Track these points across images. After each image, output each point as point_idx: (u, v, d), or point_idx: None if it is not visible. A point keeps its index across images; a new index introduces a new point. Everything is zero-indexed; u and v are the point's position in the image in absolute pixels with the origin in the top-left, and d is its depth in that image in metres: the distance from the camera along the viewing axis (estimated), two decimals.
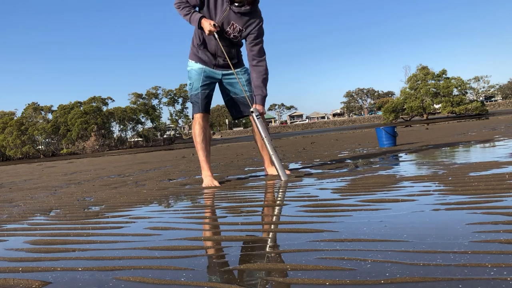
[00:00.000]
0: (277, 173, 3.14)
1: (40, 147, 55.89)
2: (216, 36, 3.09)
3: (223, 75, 3.30)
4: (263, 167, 3.54)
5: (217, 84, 3.39)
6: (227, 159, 6.42)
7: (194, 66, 3.26)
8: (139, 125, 62.94)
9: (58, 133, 54.27)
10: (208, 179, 3.21)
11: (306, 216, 1.76)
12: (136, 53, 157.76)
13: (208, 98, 3.30)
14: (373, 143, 6.97)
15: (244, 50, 3.32)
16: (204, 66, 3.25)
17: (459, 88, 38.92)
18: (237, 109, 3.38)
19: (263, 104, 3.21)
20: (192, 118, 3.33)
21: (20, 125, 53.55)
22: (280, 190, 2.57)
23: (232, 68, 3.22)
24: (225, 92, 3.39)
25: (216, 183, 3.16)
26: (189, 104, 77.00)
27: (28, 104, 57.83)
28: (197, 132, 3.26)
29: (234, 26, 3.12)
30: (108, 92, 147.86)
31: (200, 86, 3.24)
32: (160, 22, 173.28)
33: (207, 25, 3.00)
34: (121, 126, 60.24)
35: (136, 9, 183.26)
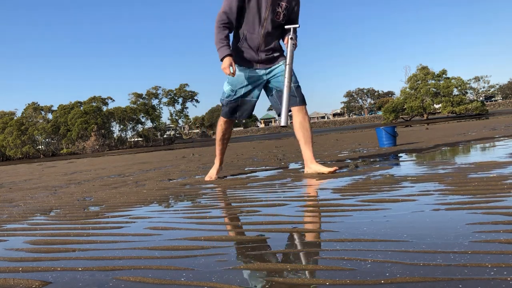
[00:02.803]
0: (314, 171, 3.22)
1: (40, 147, 55.90)
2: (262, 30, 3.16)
3: (268, 74, 3.29)
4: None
5: (262, 89, 3.39)
6: (227, 159, 6.42)
7: (237, 69, 3.25)
8: (139, 125, 62.97)
9: (58, 133, 54.29)
10: (211, 171, 3.64)
11: (306, 216, 1.76)
12: (136, 53, 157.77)
13: (240, 104, 3.35)
14: (373, 143, 6.97)
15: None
16: (244, 69, 3.26)
17: (459, 88, 38.91)
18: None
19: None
20: (221, 115, 3.49)
21: (20, 125, 53.57)
22: (280, 190, 2.57)
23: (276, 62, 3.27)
24: (272, 91, 3.36)
25: (213, 177, 3.56)
26: (189, 104, 77.40)
27: (28, 104, 57.88)
28: (218, 131, 3.54)
29: (282, 5, 3.18)
30: (108, 92, 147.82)
31: (234, 91, 3.30)
32: (160, 22, 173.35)
33: (227, 65, 3.09)
34: (121, 126, 60.26)
35: (136, 9, 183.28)
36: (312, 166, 3.25)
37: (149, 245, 1.51)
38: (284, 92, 3.08)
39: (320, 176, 3.06)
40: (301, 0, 3.32)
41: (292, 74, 3.16)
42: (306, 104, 3.34)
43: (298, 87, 3.30)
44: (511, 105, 65.30)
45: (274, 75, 3.30)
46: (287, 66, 3.13)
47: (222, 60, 3.13)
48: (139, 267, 1.25)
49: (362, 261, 1.12)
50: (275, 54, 3.31)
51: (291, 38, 3.21)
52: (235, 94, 3.30)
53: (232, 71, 3.09)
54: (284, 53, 3.36)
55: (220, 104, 3.42)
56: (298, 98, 3.29)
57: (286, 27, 3.28)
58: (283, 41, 3.33)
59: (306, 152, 3.30)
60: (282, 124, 3.06)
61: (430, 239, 1.25)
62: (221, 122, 3.48)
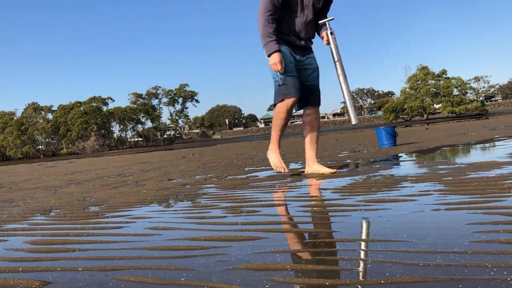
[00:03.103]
0: (314, 171, 3.19)
1: (40, 147, 55.92)
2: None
3: (298, 61, 3.19)
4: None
5: None
6: (227, 159, 6.42)
7: (281, 48, 3.06)
8: (139, 125, 62.99)
9: (58, 133, 54.30)
10: (276, 157, 3.27)
11: (306, 216, 1.76)
12: (136, 53, 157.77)
13: (308, 89, 3.20)
14: (373, 143, 6.97)
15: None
16: (289, 49, 3.12)
17: (459, 88, 38.92)
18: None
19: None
20: (280, 102, 3.10)
21: (20, 125, 53.58)
22: (280, 190, 2.57)
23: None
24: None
25: (284, 166, 3.22)
26: (189, 104, 77.37)
27: (28, 104, 57.86)
28: (284, 116, 3.13)
29: None
30: (108, 92, 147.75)
31: (291, 68, 3.07)
32: (160, 22, 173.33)
33: (277, 61, 2.95)
34: (121, 126, 60.28)
35: (136, 9, 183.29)
36: (313, 166, 3.25)
37: (149, 245, 1.51)
38: (345, 90, 2.99)
39: (320, 176, 3.05)
40: None
41: (344, 70, 3.06)
42: (320, 105, 3.32)
43: (318, 86, 3.27)
44: (511, 105, 65.33)
45: (304, 65, 3.22)
46: (337, 63, 3.02)
47: (270, 55, 2.98)
48: (139, 267, 1.25)
49: (362, 261, 1.12)
50: (310, 44, 3.25)
51: (332, 33, 3.10)
52: (290, 68, 3.07)
53: (281, 68, 2.96)
54: (329, 49, 3.18)
55: (278, 85, 3.08)
56: (316, 97, 3.26)
57: (321, 21, 3.18)
58: (319, 35, 3.24)
59: (310, 152, 3.29)
60: (354, 122, 2.96)
61: (430, 239, 1.25)
62: (289, 105, 3.08)
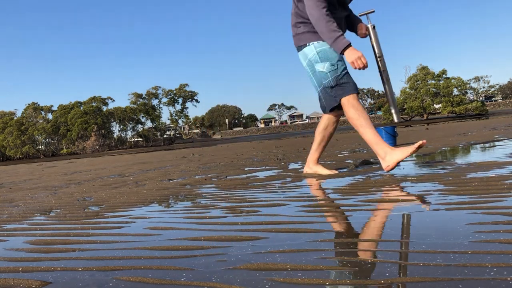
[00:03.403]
0: (313, 172, 3.13)
1: (40, 147, 55.92)
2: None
3: None
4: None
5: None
6: (227, 159, 6.42)
7: (326, 45, 2.81)
8: (139, 125, 63.00)
9: (58, 133, 54.31)
10: (402, 151, 2.62)
11: (306, 216, 1.76)
12: (136, 53, 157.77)
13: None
14: None
15: None
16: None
17: (459, 88, 38.92)
18: None
19: None
20: (337, 102, 2.81)
21: (20, 125, 53.59)
22: (280, 190, 2.57)
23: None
24: None
25: (414, 147, 2.58)
26: (189, 104, 77.39)
27: (28, 104, 57.86)
28: (360, 112, 2.74)
29: None
30: (108, 92, 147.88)
31: (343, 62, 2.81)
32: (160, 21, 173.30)
33: (360, 54, 2.60)
34: (121, 126, 60.29)
35: (136, 10, 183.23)
36: (313, 167, 3.20)
37: (149, 245, 1.51)
38: (388, 89, 2.81)
39: (320, 176, 3.05)
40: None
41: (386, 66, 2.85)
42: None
43: None
44: (511, 105, 65.32)
45: None
46: (380, 59, 2.81)
47: (344, 51, 2.66)
48: (139, 267, 1.25)
49: (362, 261, 1.12)
50: None
51: (374, 26, 2.86)
52: (341, 64, 2.80)
53: (365, 61, 2.63)
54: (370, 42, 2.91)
55: (332, 85, 2.78)
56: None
57: (361, 13, 2.96)
58: (352, 29, 3.03)
59: (315, 154, 3.17)
60: (396, 120, 2.80)
61: (430, 239, 1.25)
62: (355, 101, 2.75)
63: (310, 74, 2.93)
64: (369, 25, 2.88)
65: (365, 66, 2.63)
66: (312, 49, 2.85)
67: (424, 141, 2.57)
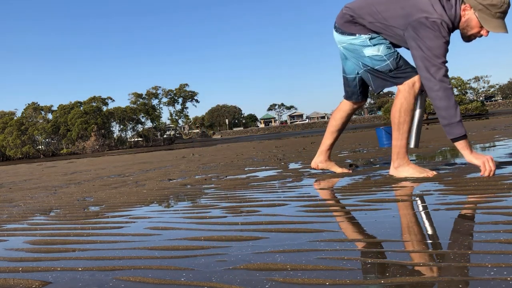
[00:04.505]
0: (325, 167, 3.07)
1: (40, 147, 55.97)
2: None
3: None
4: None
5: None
6: (227, 159, 6.42)
7: (378, 36, 2.58)
8: (139, 125, 63.04)
9: (58, 133, 54.35)
10: (414, 167, 2.52)
11: (306, 216, 1.76)
12: (136, 53, 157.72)
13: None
14: (373, 143, 6.97)
15: None
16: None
17: (459, 88, 38.96)
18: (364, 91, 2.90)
19: None
20: (395, 87, 2.60)
21: (20, 125, 53.62)
22: (280, 190, 2.57)
23: None
24: None
25: (429, 172, 2.48)
26: (189, 104, 77.39)
27: (28, 104, 57.93)
28: (412, 105, 2.52)
29: None
30: (108, 92, 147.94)
31: (391, 47, 2.58)
32: (161, 21, 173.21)
33: (489, 157, 2.25)
34: (121, 126, 60.34)
35: (136, 9, 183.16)
36: (325, 162, 3.11)
37: (149, 245, 1.51)
38: (418, 113, 2.57)
39: (320, 176, 3.05)
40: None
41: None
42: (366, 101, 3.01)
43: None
44: (511, 105, 65.32)
45: None
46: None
47: (458, 140, 2.29)
48: (139, 267, 1.25)
49: (362, 261, 1.12)
50: None
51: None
52: (391, 47, 2.58)
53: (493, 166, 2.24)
54: None
55: (391, 68, 2.54)
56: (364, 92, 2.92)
57: None
58: None
59: (330, 140, 3.03)
60: (412, 146, 2.60)
61: (430, 239, 1.25)
62: (418, 85, 2.51)
63: (348, 56, 2.73)
64: None
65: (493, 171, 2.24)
66: (360, 38, 2.61)
67: (435, 173, 2.49)
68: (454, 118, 2.27)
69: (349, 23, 2.65)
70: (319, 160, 3.13)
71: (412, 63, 2.51)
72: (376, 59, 2.58)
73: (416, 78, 2.51)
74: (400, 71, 2.55)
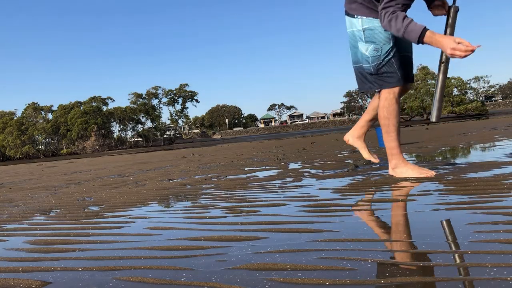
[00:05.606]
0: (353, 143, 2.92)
1: (40, 147, 55.98)
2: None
3: None
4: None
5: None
6: (227, 159, 6.42)
7: (376, 22, 2.45)
8: (139, 125, 63.05)
9: (58, 133, 54.36)
10: (412, 167, 2.52)
11: (306, 216, 1.76)
12: (136, 53, 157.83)
13: (406, 61, 2.57)
14: (373, 143, 6.97)
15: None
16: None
17: (459, 88, 38.98)
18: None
19: None
20: (378, 92, 2.56)
21: (20, 125, 53.63)
22: (280, 190, 2.57)
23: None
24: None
25: (429, 172, 2.47)
26: (189, 104, 77.42)
27: (28, 104, 57.93)
28: (392, 109, 2.49)
29: None
30: (108, 92, 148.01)
31: (392, 47, 2.45)
32: (160, 22, 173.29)
33: (460, 46, 2.11)
34: (121, 126, 60.35)
35: (136, 9, 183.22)
36: (356, 140, 2.94)
37: (149, 245, 1.51)
38: (441, 81, 2.39)
39: (320, 176, 3.05)
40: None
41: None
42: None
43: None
44: (511, 105, 65.31)
45: None
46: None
47: (420, 39, 2.19)
48: (139, 267, 1.25)
49: (362, 261, 1.12)
50: None
51: (458, 9, 2.37)
52: (392, 47, 2.45)
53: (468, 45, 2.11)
54: None
55: (372, 72, 2.49)
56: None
57: None
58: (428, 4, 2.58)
59: (369, 115, 2.83)
60: (434, 120, 2.42)
61: (430, 239, 1.25)
62: (395, 96, 2.47)
63: (351, 43, 2.63)
64: (452, 6, 2.36)
65: (473, 49, 2.10)
66: (359, 24, 2.51)
67: (434, 174, 2.49)
68: (405, 27, 2.20)
69: (350, 3, 2.58)
70: (351, 135, 2.96)
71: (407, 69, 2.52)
72: (363, 57, 2.54)
73: (396, 90, 2.48)
74: (380, 78, 2.50)
